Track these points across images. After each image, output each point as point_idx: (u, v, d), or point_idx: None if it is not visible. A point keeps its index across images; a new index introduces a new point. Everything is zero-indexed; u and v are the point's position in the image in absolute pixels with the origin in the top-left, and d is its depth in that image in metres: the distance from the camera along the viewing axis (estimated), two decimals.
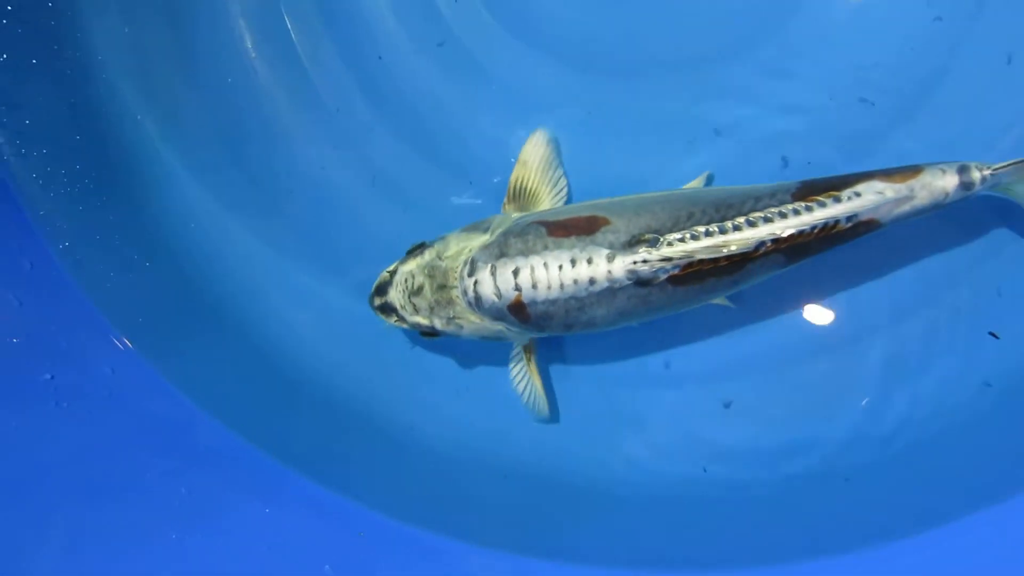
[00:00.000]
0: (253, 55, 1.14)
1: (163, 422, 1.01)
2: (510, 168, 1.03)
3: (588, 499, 1.04)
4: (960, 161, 0.89)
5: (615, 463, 1.05)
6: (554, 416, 1.06)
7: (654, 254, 0.87)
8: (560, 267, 0.89)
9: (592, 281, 0.89)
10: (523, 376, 1.02)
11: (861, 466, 0.99)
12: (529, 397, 1.02)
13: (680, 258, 0.87)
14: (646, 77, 1.07)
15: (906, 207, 0.89)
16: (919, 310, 1.01)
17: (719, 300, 0.97)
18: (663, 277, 0.88)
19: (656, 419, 1.05)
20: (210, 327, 1.12)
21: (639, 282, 0.88)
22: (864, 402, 1.01)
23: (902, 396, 1.00)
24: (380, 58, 1.12)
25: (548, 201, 1.02)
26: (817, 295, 1.03)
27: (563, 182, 1.03)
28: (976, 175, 0.88)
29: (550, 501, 1.05)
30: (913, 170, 0.89)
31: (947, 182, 0.88)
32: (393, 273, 1.00)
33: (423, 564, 0.98)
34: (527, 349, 1.01)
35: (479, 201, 1.09)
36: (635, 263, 0.88)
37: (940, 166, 0.89)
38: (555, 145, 1.03)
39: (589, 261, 0.89)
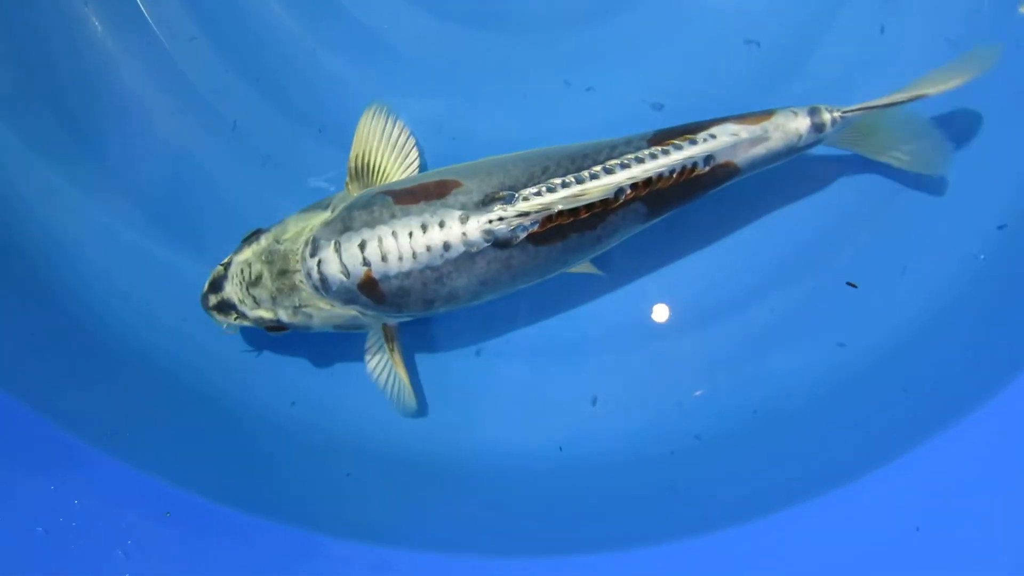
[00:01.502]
0: None
1: None
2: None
3: (439, 481, 0.97)
4: (812, 104, 0.88)
5: (470, 444, 0.97)
6: (420, 406, 0.97)
7: (510, 210, 0.81)
8: (410, 234, 0.82)
9: (447, 246, 0.82)
10: (384, 367, 0.92)
11: (721, 439, 0.95)
12: (392, 391, 0.92)
13: (537, 211, 0.81)
14: (520, 33, 1.02)
15: (761, 149, 0.86)
16: (780, 281, 0.99)
17: (587, 269, 0.92)
18: (522, 235, 0.82)
19: (514, 397, 0.99)
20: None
21: (497, 243, 0.82)
22: (697, 394, 0.97)
23: (760, 369, 0.98)
24: None
25: (397, 174, 0.93)
26: (679, 269, 0.99)
27: (413, 152, 0.94)
28: (827, 116, 0.87)
29: (400, 483, 0.97)
30: (766, 113, 0.87)
31: (799, 123, 0.87)
32: (227, 266, 0.90)
33: (256, 551, 0.87)
34: (387, 336, 0.92)
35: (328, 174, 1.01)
36: (490, 221, 0.81)
37: (792, 108, 0.88)
38: (394, 116, 0.94)
39: (441, 224, 0.82)
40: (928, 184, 0.96)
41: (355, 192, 0.92)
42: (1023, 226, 0.94)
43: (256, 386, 0.98)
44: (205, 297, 0.91)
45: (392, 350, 0.92)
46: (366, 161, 0.92)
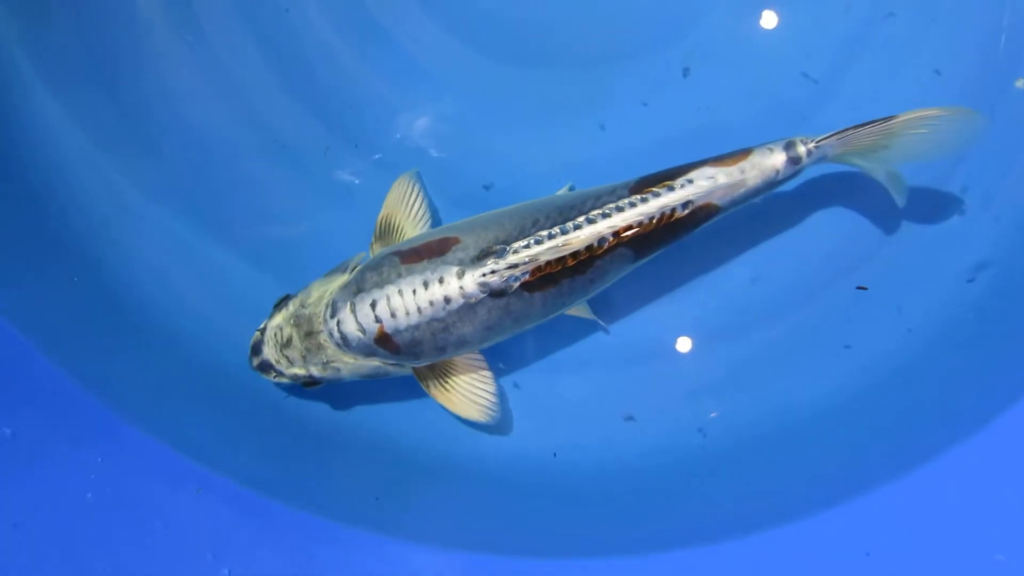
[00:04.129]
0: None
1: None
2: (394, 145, 1.10)
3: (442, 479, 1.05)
4: (787, 138, 0.92)
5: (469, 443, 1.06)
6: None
7: (500, 263, 0.88)
8: (414, 291, 0.90)
9: (447, 299, 0.90)
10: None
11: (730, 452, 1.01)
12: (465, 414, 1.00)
13: (525, 263, 0.88)
14: (558, 68, 1.11)
15: (740, 189, 0.91)
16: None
17: (585, 314, 1.00)
18: (515, 285, 0.89)
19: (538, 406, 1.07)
20: (58, 261, 1.09)
21: (493, 293, 0.89)
22: (713, 415, 1.03)
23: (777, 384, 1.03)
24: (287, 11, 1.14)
25: (412, 233, 1.03)
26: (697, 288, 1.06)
27: (426, 214, 1.04)
28: (802, 149, 0.91)
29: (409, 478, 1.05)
30: (743, 153, 0.92)
31: (775, 160, 0.91)
32: (263, 331, 1.01)
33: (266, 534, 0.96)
34: (420, 377, 0.99)
35: (357, 181, 1.12)
36: (484, 275, 0.89)
37: (768, 145, 0.92)
38: (419, 181, 1.05)
39: (440, 281, 0.90)
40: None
41: (376, 250, 1.01)
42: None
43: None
44: (249, 359, 1.01)
45: (430, 387, 0.98)
46: (391, 223, 1.03)
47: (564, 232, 0.89)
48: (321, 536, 0.95)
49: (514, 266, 0.88)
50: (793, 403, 1.02)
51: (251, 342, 1.01)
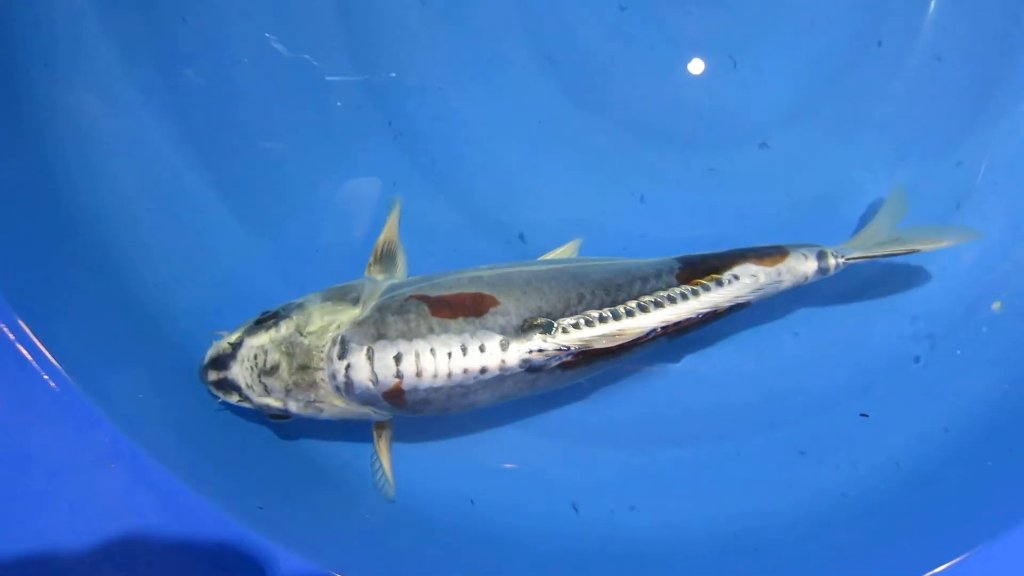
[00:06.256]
0: None
1: None
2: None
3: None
4: (820, 247, 0.94)
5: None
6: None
7: (550, 342, 0.84)
8: (449, 355, 0.83)
9: (483, 370, 0.84)
10: (373, 454, 0.95)
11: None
12: (378, 477, 0.96)
13: (577, 347, 0.84)
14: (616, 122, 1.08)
15: (774, 290, 0.93)
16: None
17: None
18: (555, 364, 0.85)
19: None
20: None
21: (531, 369, 0.84)
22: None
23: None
24: None
25: (402, 260, 0.97)
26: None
27: None
28: (831, 262, 0.94)
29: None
30: (780, 254, 0.93)
31: (807, 267, 0.94)
32: (236, 345, 0.87)
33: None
34: (380, 427, 0.94)
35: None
36: (531, 352, 0.83)
37: (802, 251, 0.94)
38: None
39: (481, 349, 0.83)
40: None
41: (376, 275, 0.93)
42: None
43: None
44: (204, 371, 0.88)
45: (381, 438, 0.94)
46: (390, 248, 0.94)
47: (616, 317, 0.85)
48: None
49: (563, 348, 0.84)
50: (727, 515, 1.04)
51: (212, 353, 0.88)
